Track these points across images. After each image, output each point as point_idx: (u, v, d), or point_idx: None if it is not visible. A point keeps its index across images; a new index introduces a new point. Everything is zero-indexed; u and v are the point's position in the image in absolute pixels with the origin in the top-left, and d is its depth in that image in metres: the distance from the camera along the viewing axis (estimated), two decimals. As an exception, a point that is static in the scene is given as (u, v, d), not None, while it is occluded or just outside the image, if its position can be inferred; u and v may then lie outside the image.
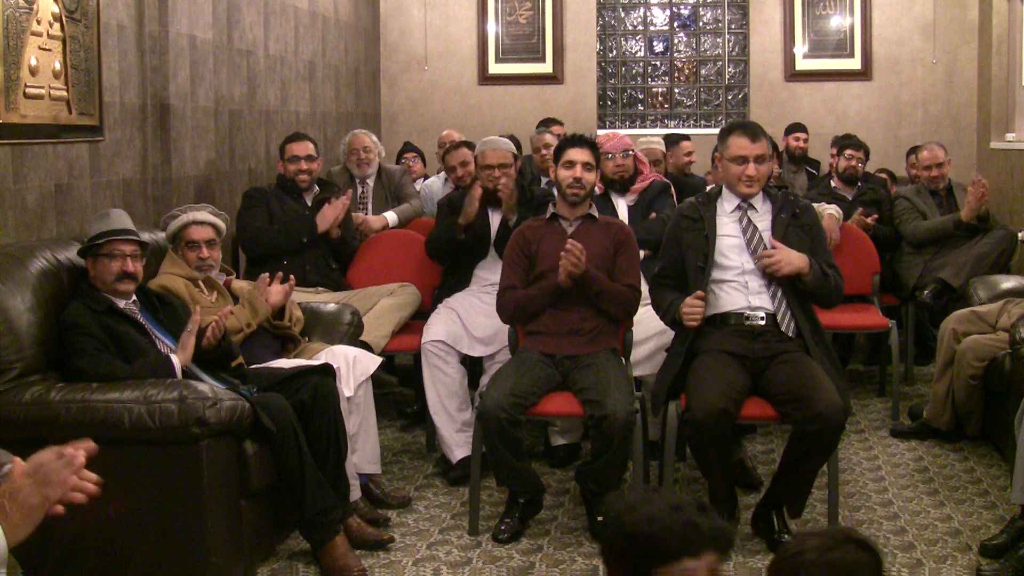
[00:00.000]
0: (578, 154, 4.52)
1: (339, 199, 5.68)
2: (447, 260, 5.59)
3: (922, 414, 5.45)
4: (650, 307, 4.63)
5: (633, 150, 5.44)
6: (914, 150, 7.55)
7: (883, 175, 7.58)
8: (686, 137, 7.71)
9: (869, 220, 6.41)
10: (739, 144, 4.29)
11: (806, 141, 8.07)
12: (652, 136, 7.11)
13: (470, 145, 6.07)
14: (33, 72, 4.27)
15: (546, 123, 7.86)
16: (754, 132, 4.31)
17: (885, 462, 5.13)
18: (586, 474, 4.28)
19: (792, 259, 4.19)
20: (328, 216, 5.62)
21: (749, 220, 4.35)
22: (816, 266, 4.24)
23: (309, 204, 5.75)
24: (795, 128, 8.12)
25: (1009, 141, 8.02)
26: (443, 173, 6.79)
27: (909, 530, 4.29)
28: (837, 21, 9.11)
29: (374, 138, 6.67)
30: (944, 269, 6.18)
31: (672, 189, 5.60)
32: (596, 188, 4.86)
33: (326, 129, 7.73)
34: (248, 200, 5.70)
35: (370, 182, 6.60)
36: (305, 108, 7.40)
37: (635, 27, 9.67)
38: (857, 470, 5.00)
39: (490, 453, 4.22)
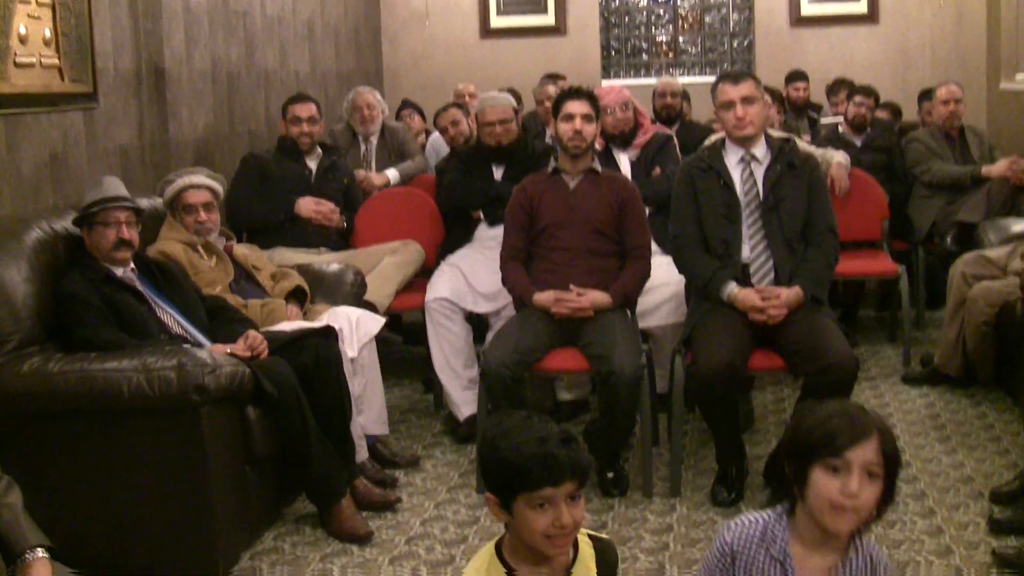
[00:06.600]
0: (576, 106, 4.45)
1: (336, 214, 5.59)
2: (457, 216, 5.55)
3: (933, 360, 5.40)
4: (656, 258, 4.60)
5: (632, 102, 5.37)
6: (926, 94, 7.44)
7: (886, 113, 7.42)
8: None
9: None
10: (723, 91, 4.32)
11: (806, 90, 7.96)
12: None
13: (460, 106, 5.99)
14: (23, 41, 4.21)
15: (549, 78, 7.76)
16: (735, 76, 4.35)
17: (896, 409, 5.09)
18: (595, 433, 4.25)
19: (787, 303, 4.10)
20: (311, 209, 5.52)
21: (751, 172, 4.31)
22: (808, 285, 4.17)
23: (314, 169, 5.69)
24: (795, 77, 8.00)
25: (1019, 82, 7.89)
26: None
27: (921, 478, 4.26)
28: (843, -36, 8.95)
29: (377, 95, 6.59)
30: (960, 212, 6.12)
31: (675, 141, 5.53)
32: (597, 144, 4.78)
33: (327, 88, 7.65)
34: (242, 166, 5.62)
35: (373, 139, 6.53)
36: (305, 68, 7.32)
37: (638, -25, 9.54)
38: (868, 418, 4.96)
39: (495, 411, 4.20)
